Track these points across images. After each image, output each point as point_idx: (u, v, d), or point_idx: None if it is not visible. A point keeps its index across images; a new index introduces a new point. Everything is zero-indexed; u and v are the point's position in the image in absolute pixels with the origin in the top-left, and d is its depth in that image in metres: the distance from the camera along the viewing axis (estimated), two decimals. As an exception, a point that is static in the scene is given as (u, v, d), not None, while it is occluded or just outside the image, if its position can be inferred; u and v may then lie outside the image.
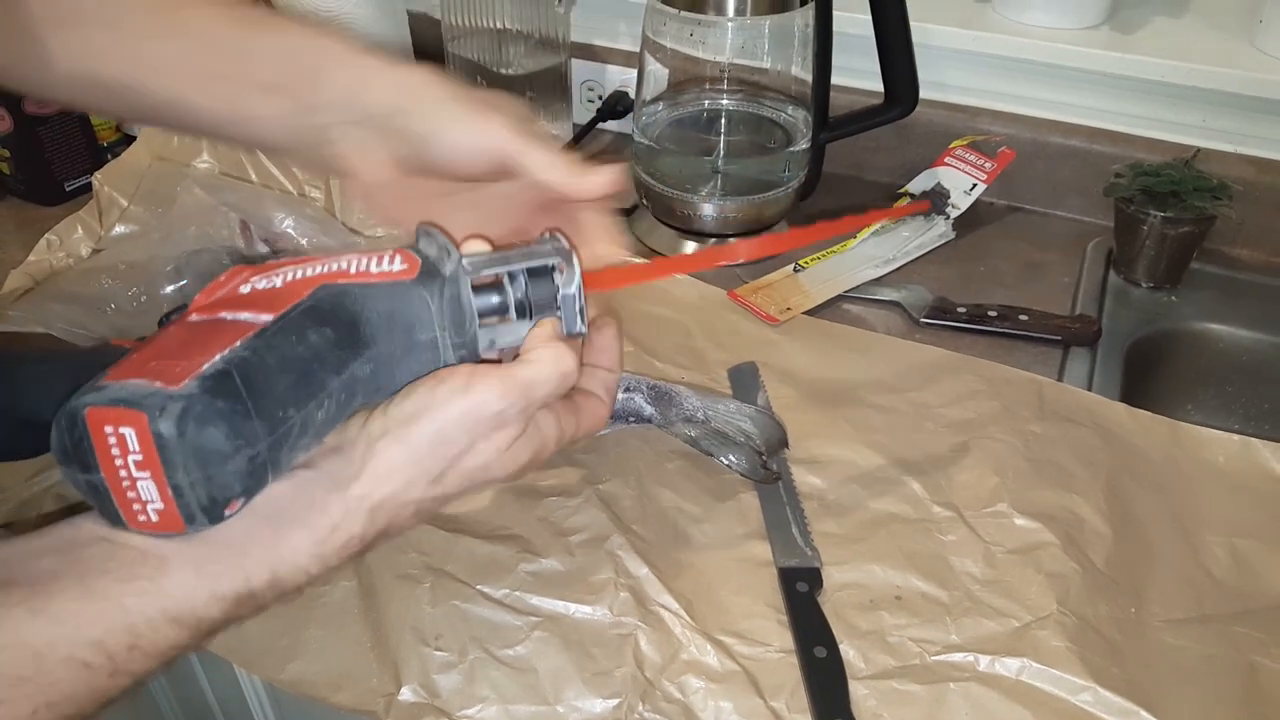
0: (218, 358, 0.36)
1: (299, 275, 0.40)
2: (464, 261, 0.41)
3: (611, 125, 1.01)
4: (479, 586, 0.55)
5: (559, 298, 0.43)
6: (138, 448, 0.34)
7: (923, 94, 0.84)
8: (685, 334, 0.75)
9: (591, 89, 1.04)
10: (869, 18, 0.81)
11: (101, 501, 0.36)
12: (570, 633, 0.53)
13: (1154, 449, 0.65)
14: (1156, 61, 0.84)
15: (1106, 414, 0.67)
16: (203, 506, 0.36)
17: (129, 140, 0.99)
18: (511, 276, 0.42)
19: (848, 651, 0.52)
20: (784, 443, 0.60)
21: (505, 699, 0.50)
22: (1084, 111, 0.89)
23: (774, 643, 0.53)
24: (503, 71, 0.94)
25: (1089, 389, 0.71)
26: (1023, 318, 0.76)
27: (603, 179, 0.47)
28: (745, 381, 0.70)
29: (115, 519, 0.36)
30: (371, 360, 0.39)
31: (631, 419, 0.60)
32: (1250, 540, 0.59)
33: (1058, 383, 0.70)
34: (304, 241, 0.75)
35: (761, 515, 0.60)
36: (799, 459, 0.63)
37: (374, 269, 0.41)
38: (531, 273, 0.43)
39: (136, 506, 0.35)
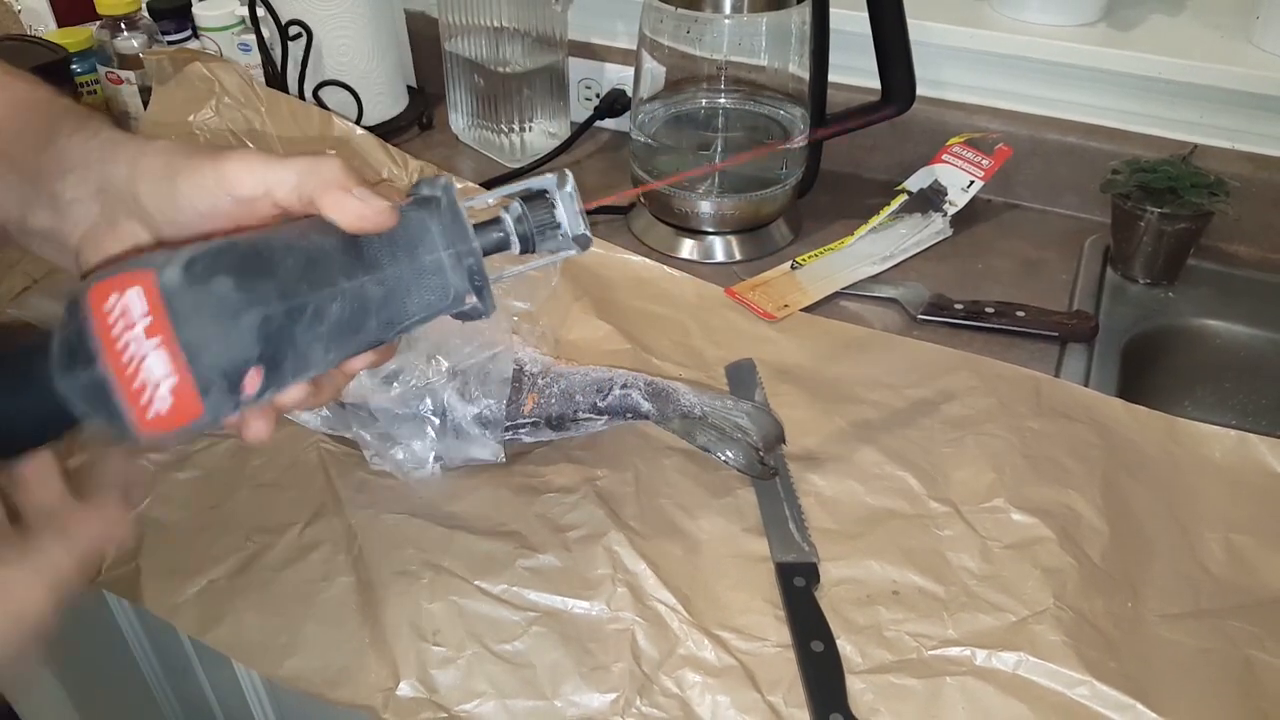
0: (222, 239, 0.36)
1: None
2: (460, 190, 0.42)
3: (609, 123, 1.01)
4: (477, 582, 0.55)
5: (556, 214, 0.43)
6: (145, 308, 0.32)
7: (920, 91, 0.84)
8: (683, 331, 0.75)
9: (589, 87, 1.04)
10: (866, 15, 0.81)
11: (107, 405, 0.33)
12: (568, 628, 0.53)
13: (1151, 445, 0.65)
14: (1153, 58, 0.84)
15: (1103, 410, 0.67)
16: (222, 371, 0.34)
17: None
18: (506, 207, 0.43)
19: (845, 646, 0.52)
20: (781, 438, 0.60)
21: (503, 694, 0.50)
22: (1081, 108, 0.89)
23: (771, 638, 0.53)
24: (500, 70, 0.94)
25: (1086, 385, 0.71)
26: (1020, 314, 0.76)
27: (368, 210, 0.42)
28: (743, 378, 0.70)
29: (122, 425, 0.33)
30: (381, 283, 0.39)
31: (629, 415, 0.60)
32: (1246, 535, 0.59)
33: (1054, 379, 0.70)
34: None
35: (759, 511, 0.60)
36: (796, 455, 0.63)
37: None
38: (526, 197, 0.43)
39: (145, 396, 0.33)
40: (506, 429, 0.60)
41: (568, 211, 0.44)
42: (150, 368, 0.33)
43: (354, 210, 0.40)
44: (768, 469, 0.59)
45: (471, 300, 0.42)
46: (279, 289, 0.35)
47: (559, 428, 0.60)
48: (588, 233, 0.44)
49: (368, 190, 0.42)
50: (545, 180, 0.44)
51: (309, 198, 0.41)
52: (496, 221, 0.43)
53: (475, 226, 0.42)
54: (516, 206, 0.43)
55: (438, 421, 0.60)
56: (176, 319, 0.33)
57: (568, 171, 0.44)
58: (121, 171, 0.42)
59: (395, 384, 0.59)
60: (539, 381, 0.60)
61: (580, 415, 0.60)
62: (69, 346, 0.33)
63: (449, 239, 0.41)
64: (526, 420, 0.60)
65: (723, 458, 0.59)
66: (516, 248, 0.43)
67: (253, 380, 0.35)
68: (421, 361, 0.60)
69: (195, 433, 0.35)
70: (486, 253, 0.42)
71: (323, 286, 0.37)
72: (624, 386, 0.60)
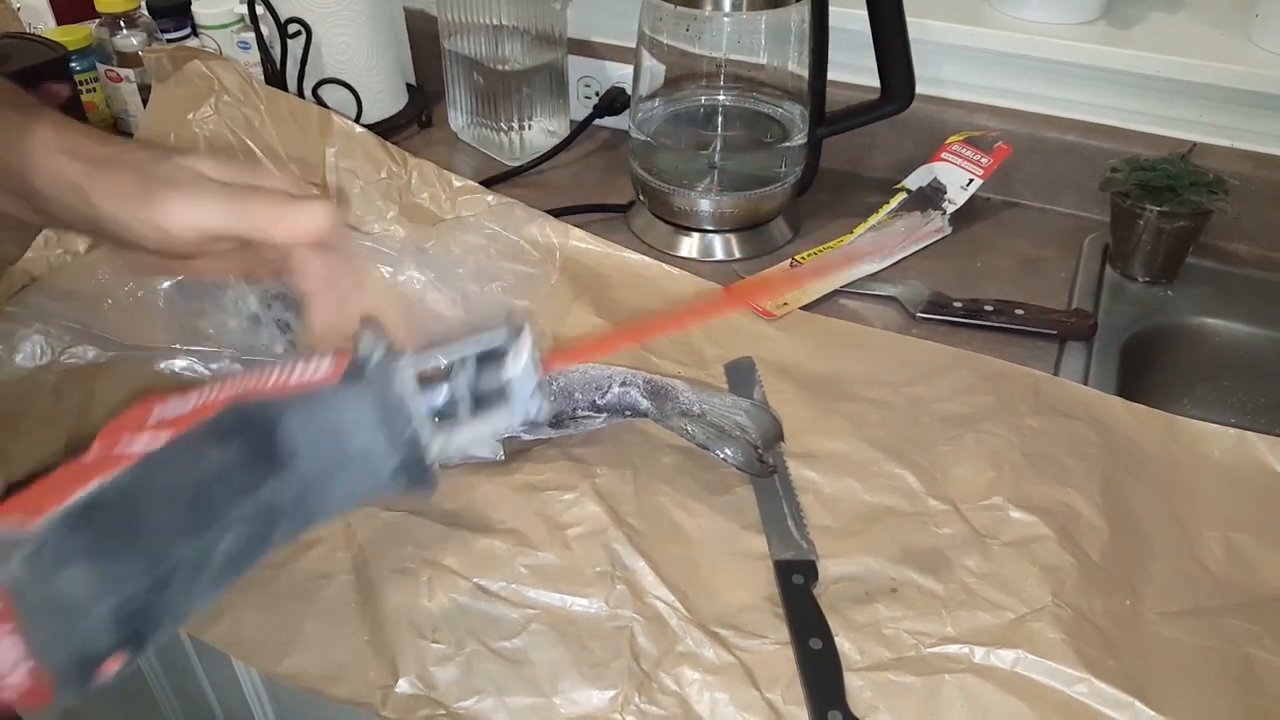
0: (87, 490, 0.31)
1: (211, 397, 0.35)
2: (407, 357, 0.37)
3: (609, 121, 1.01)
4: (476, 580, 0.55)
5: (509, 386, 0.39)
6: None
7: (919, 89, 0.84)
8: (682, 329, 0.75)
9: (588, 85, 1.04)
10: (865, 13, 0.81)
11: None
12: (567, 625, 0.53)
13: (1150, 443, 0.65)
14: (1152, 56, 0.84)
15: (1102, 408, 0.67)
16: (75, 662, 0.31)
17: (127, 137, 1.00)
18: (457, 366, 0.38)
19: (843, 644, 0.52)
20: (779, 436, 0.60)
21: (502, 691, 0.50)
22: (1080, 107, 0.89)
23: (770, 635, 0.53)
24: (499, 68, 0.94)
25: (1085, 383, 0.71)
26: (1019, 312, 0.76)
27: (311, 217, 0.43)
28: (742, 376, 0.70)
29: None
30: (296, 480, 0.34)
31: (628, 412, 0.60)
32: (1245, 534, 0.59)
33: (1053, 377, 0.70)
34: None
35: (757, 509, 0.60)
36: (795, 453, 0.63)
37: (296, 377, 0.36)
38: (480, 359, 0.39)
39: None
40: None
41: (519, 368, 0.39)
42: (3, 650, 0.30)
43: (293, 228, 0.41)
44: (766, 467, 0.59)
45: (405, 481, 0.37)
46: (147, 559, 0.31)
47: (558, 425, 0.60)
48: (538, 419, 0.40)
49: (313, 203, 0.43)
50: (499, 335, 0.39)
51: (249, 232, 0.41)
52: (444, 384, 0.38)
53: (420, 382, 0.37)
54: (471, 366, 0.39)
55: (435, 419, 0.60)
56: (24, 612, 0.30)
57: (525, 319, 0.39)
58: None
59: None
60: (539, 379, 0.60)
61: (579, 413, 0.60)
62: None
63: (382, 424, 0.36)
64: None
65: (721, 456, 0.59)
66: (468, 414, 0.39)
67: (111, 665, 0.31)
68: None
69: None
70: (435, 419, 0.38)
71: (209, 526, 0.33)
72: (623, 384, 0.60)
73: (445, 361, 0.38)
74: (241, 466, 0.33)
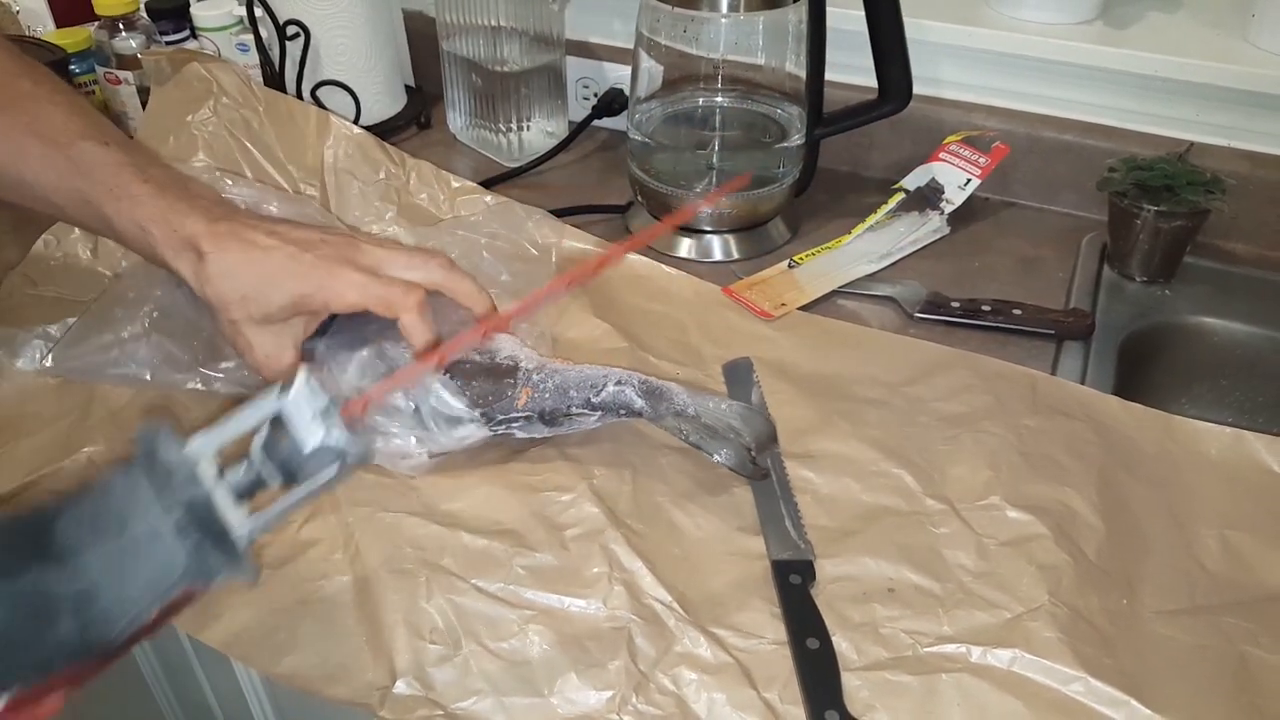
0: None
1: None
2: (198, 438, 0.36)
3: (607, 122, 1.01)
4: (473, 581, 0.55)
5: (294, 436, 0.37)
6: None
7: (917, 90, 0.84)
8: (680, 330, 0.75)
9: (587, 86, 1.04)
10: (862, 13, 0.81)
11: None
12: (564, 626, 0.53)
13: (1147, 442, 0.65)
14: (1150, 56, 0.84)
15: (1100, 407, 0.67)
16: None
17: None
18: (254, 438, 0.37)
19: (840, 643, 0.52)
20: (773, 439, 0.60)
21: (499, 692, 0.50)
22: (1078, 106, 0.90)
23: (767, 635, 0.53)
24: (498, 69, 0.94)
25: (1083, 383, 0.71)
26: (1017, 312, 0.76)
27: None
28: (740, 377, 0.70)
29: None
30: (77, 574, 0.32)
31: (622, 412, 0.60)
32: (1242, 532, 0.59)
33: (1051, 376, 0.70)
34: None
35: (755, 509, 0.60)
36: (792, 453, 0.64)
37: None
38: (274, 423, 0.37)
39: None
40: (499, 423, 0.60)
41: (303, 425, 0.37)
42: None
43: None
44: (759, 469, 0.59)
45: (218, 561, 0.35)
46: None
47: (552, 423, 0.60)
48: (337, 443, 0.37)
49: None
50: (269, 399, 0.37)
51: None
52: (245, 459, 0.37)
53: (223, 468, 0.36)
54: (261, 437, 0.37)
55: (414, 407, 0.60)
56: None
57: (301, 369, 0.38)
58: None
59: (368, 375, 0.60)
60: (533, 377, 0.60)
61: (574, 411, 0.60)
62: None
63: (171, 505, 0.34)
64: (520, 415, 0.60)
65: (716, 457, 0.59)
66: (278, 482, 0.37)
67: None
68: (397, 350, 0.60)
69: None
70: (242, 496, 0.36)
71: None
72: (618, 383, 0.60)
73: (235, 435, 0.37)
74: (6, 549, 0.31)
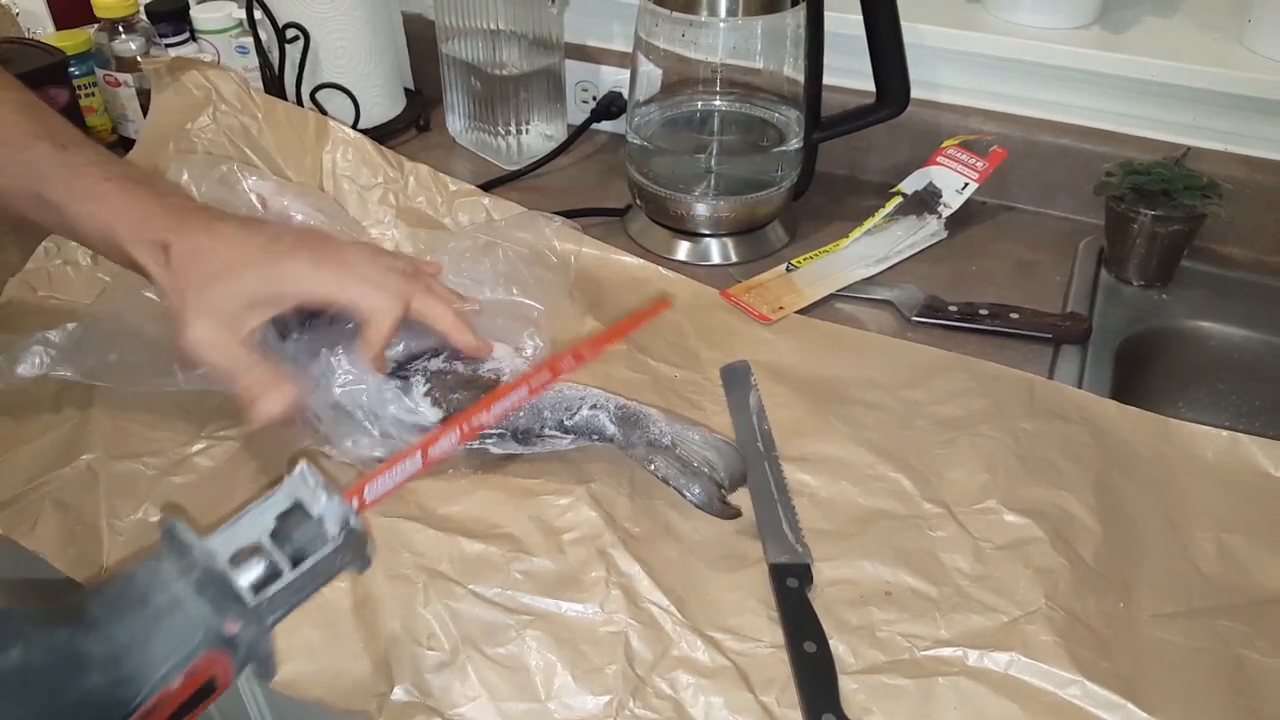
0: None
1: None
2: (216, 538, 0.40)
3: (605, 126, 1.01)
4: (471, 586, 0.55)
5: (316, 519, 0.41)
6: None
7: (914, 94, 0.84)
8: (679, 333, 0.75)
9: (585, 90, 1.04)
10: (860, 18, 0.81)
11: None
12: (562, 631, 0.53)
13: (1143, 445, 0.65)
14: (1147, 61, 0.84)
15: (1096, 411, 0.67)
16: None
17: (125, 142, 1.00)
18: (265, 537, 0.40)
19: (838, 647, 0.52)
20: (744, 478, 0.60)
21: (497, 697, 0.50)
22: (1075, 111, 0.90)
23: (764, 638, 0.53)
24: (496, 72, 0.94)
25: (1080, 387, 0.71)
26: (1014, 316, 0.76)
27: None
28: (737, 380, 0.70)
29: None
30: (106, 640, 0.36)
31: (594, 437, 0.60)
32: (1238, 535, 0.59)
33: (1048, 380, 0.71)
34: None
35: (752, 512, 0.60)
36: (790, 456, 0.64)
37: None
38: (279, 518, 0.41)
39: None
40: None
41: (309, 499, 0.41)
42: None
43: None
44: (728, 509, 0.59)
45: (238, 628, 0.38)
46: None
47: (525, 442, 0.60)
48: (352, 524, 0.41)
49: None
50: (285, 489, 0.41)
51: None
52: (258, 551, 0.40)
53: (234, 558, 0.39)
54: (270, 528, 0.40)
55: (369, 423, 0.59)
56: None
57: (302, 464, 0.41)
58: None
59: (336, 386, 0.59)
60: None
61: (546, 432, 0.59)
62: None
63: (185, 571, 0.38)
64: (494, 431, 0.60)
65: (685, 495, 0.58)
66: (288, 569, 0.40)
67: None
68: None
69: None
70: (259, 587, 0.39)
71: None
72: (593, 407, 0.60)
73: (248, 534, 0.40)
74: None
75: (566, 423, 0.60)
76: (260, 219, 0.60)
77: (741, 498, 0.61)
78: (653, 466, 0.59)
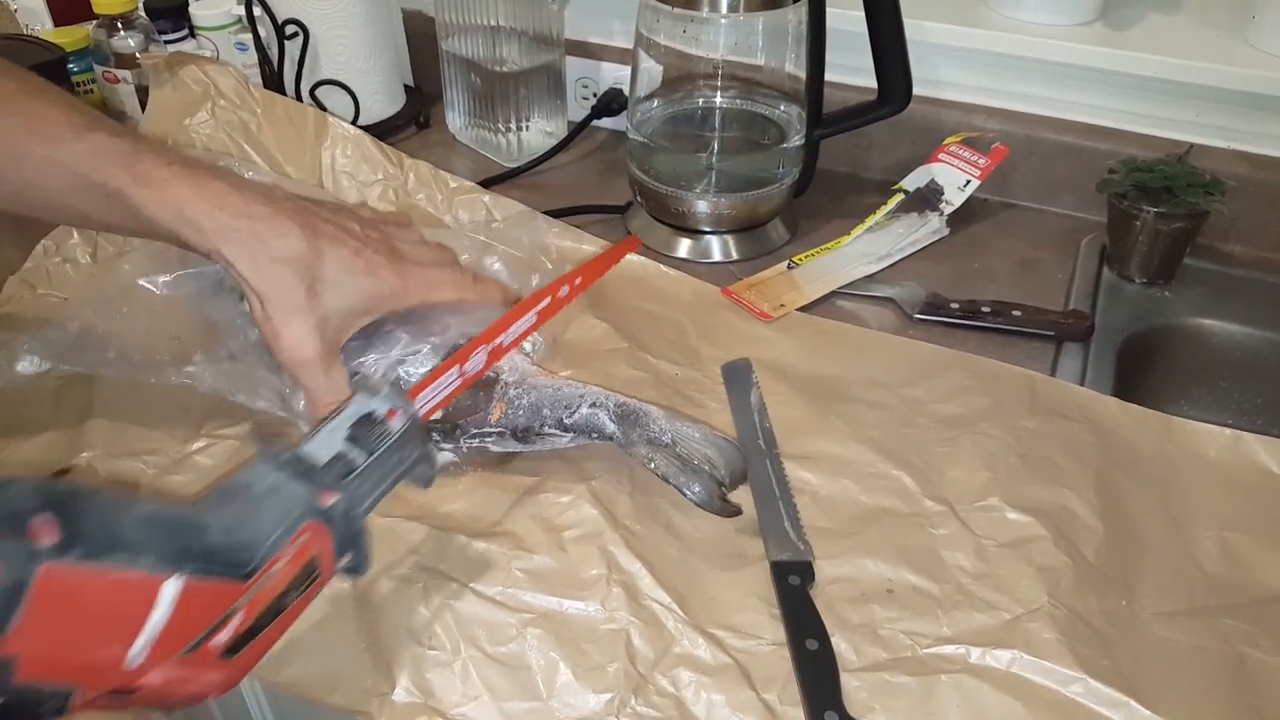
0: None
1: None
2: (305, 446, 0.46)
3: (606, 122, 1.01)
4: (472, 585, 0.55)
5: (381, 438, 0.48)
6: None
7: (916, 90, 0.84)
8: (679, 330, 0.75)
9: (586, 86, 1.04)
10: (862, 14, 0.81)
11: None
12: (563, 629, 0.53)
13: (1145, 443, 0.65)
14: (1149, 57, 0.84)
15: (1098, 409, 0.67)
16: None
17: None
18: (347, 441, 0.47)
19: (839, 644, 0.52)
20: (745, 476, 0.59)
21: (498, 696, 0.50)
22: (1077, 108, 0.89)
23: (766, 636, 0.53)
24: (497, 69, 0.94)
25: (1082, 385, 0.71)
26: (1016, 313, 0.76)
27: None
28: (738, 378, 0.70)
29: None
30: (221, 516, 0.41)
31: (594, 435, 0.60)
32: (1240, 534, 0.59)
33: (1049, 378, 0.70)
34: None
35: (754, 510, 0.60)
36: (791, 454, 0.64)
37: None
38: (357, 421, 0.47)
39: None
40: (472, 436, 0.60)
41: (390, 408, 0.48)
42: None
43: None
44: (728, 507, 0.58)
45: (333, 499, 0.44)
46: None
47: (524, 440, 0.60)
48: (412, 415, 0.49)
49: None
50: (354, 404, 0.48)
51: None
52: (339, 455, 0.46)
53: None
54: (344, 433, 0.47)
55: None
56: None
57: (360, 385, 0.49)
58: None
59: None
60: (510, 392, 0.59)
61: (546, 430, 0.59)
62: None
63: (285, 463, 0.44)
64: (493, 430, 0.60)
65: (685, 493, 0.58)
66: (364, 459, 0.46)
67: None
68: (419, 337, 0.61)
69: None
70: (343, 475, 0.45)
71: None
72: (592, 405, 0.59)
73: (332, 444, 0.47)
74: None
75: (566, 421, 0.59)
76: (312, 199, 0.58)
77: (743, 495, 0.61)
78: (652, 464, 0.58)
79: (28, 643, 0.34)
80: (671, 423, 0.59)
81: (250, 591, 0.41)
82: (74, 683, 0.36)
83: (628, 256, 0.81)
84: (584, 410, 0.59)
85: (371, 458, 0.47)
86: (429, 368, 0.59)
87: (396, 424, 0.48)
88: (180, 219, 0.52)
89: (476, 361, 0.56)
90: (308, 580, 0.44)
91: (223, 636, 0.40)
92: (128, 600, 0.37)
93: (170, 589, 0.37)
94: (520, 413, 0.60)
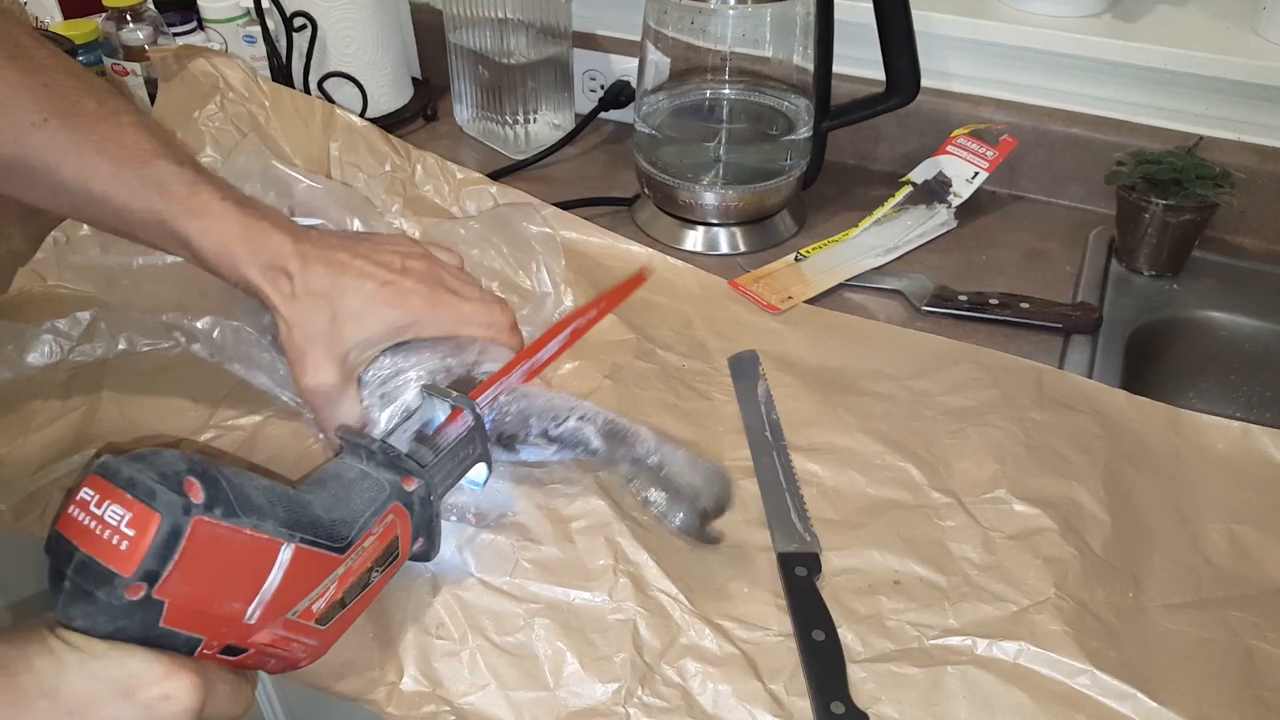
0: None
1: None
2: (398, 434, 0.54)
3: (614, 114, 1.01)
4: (479, 575, 0.55)
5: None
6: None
7: (924, 82, 0.84)
8: (686, 323, 0.75)
9: (593, 78, 1.04)
10: (870, 6, 0.80)
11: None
12: (570, 619, 0.53)
13: (1153, 436, 0.65)
14: (1159, 49, 0.84)
15: (1106, 401, 0.67)
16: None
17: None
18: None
19: (846, 635, 0.52)
20: (728, 503, 0.58)
21: (506, 685, 0.50)
22: (1086, 99, 0.89)
23: (773, 627, 0.53)
24: (504, 61, 0.94)
25: (1090, 377, 0.71)
26: (1024, 306, 0.76)
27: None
28: (745, 370, 0.70)
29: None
30: (319, 498, 0.46)
31: (579, 449, 0.59)
32: (1248, 526, 0.59)
33: (1057, 370, 0.70)
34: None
35: (761, 502, 0.60)
36: (798, 446, 0.64)
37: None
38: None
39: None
40: None
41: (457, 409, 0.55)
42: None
43: None
44: (709, 535, 0.58)
45: (414, 485, 0.50)
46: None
47: (509, 448, 0.59)
48: (478, 413, 0.55)
49: None
50: (421, 410, 0.55)
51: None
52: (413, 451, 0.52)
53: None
54: (413, 432, 0.54)
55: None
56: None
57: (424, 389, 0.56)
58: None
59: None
60: (501, 398, 0.59)
61: (531, 439, 0.58)
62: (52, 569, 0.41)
63: (373, 453, 0.50)
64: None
65: (667, 523, 0.58)
66: (434, 453, 0.52)
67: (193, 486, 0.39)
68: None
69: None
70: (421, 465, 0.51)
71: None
72: (580, 419, 0.58)
73: (404, 441, 0.53)
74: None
75: (551, 432, 0.58)
76: (358, 235, 0.63)
77: (750, 487, 0.61)
78: (634, 487, 0.59)
79: (176, 588, 0.38)
80: (660, 445, 0.58)
81: (345, 563, 0.45)
82: (202, 633, 0.40)
83: (633, 247, 0.82)
84: (571, 423, 0.58)
85: (444, 451, 0.52)
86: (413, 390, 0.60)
87: (462, 422, 0.54)
88: (223, 252, 0.55)
89: (516, 377, 0.60)
90: (390, 559, 0.49)
91: (320, 604, 0.44)
92: (254, 559, 0.41)
93: (286, 553, 0.42)
94: (508, 418, 0.59)
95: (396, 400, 0.57)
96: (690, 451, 0.59)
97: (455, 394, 0.54)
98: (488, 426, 0.57)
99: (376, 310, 0.57)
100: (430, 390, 0.55)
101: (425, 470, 0.51)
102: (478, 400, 0.55)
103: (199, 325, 0.64)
